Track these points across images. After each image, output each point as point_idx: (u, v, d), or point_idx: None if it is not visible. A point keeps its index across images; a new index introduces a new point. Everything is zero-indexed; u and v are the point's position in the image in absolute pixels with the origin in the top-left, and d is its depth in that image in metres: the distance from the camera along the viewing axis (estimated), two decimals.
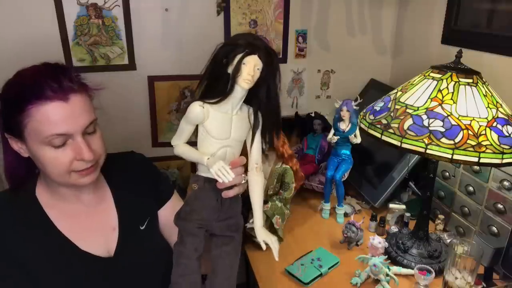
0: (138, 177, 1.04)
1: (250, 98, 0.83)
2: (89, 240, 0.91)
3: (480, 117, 0.98)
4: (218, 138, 0.81)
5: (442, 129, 0.97)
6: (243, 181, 0.86)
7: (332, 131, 1.44)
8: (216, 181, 0.79)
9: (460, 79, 1.04)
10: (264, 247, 0.86)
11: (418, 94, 1.06)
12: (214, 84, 0.81)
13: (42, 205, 0.89)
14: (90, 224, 0.93)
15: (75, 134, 0.81)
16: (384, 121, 1.07)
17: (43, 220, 0.88)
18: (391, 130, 1.04)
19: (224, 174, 0.76)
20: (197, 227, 0.84)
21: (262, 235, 0.87)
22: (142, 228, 0.99)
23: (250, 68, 0.77)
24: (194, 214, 0.84)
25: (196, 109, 0.79)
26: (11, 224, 0.85)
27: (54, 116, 0.78)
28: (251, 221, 1.28)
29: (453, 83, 1.04)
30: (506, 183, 1.18)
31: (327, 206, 1.50)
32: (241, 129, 0.84)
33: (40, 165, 0.84)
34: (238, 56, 0.77)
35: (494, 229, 1.22)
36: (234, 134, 0.82)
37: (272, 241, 0.87)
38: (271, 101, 0.83)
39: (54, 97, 0.77)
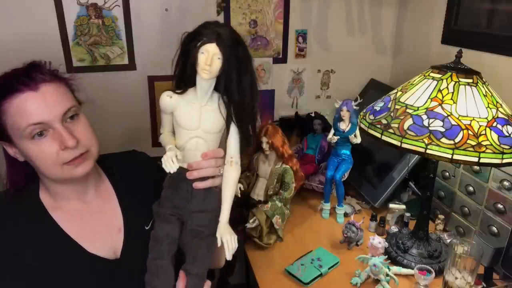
0: (142, 176, 1.03)
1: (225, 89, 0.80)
2: (95, 242, 0.90)
3: (480, 117, 0.98)
4: (186, 128, 0.80)
5: (442, 129, 0.97)
6: (219, 173, 0.83)
7: (332, 131, 1.44)
8: (187, 170, 0.80)
9: (460, 79, 1.04)
10: (219, 243, 0.79)
11: (418, 94, 1.06)
12: (184, 73, 0.79)
13: (46, 207, 0.89)
14: (95, 225, 0.93)
15: (52, 122, 0.81)
16: (384, 121, 1.07)
17: (48, 222, 0.88)
18: (391, 130, 1.04)
19: (169, 164, 0.75)
20: (169, 214, 0.84)
21: (222, 231, 0.80)
22: (147, 228, 0.98)
23: (208, 58, 0.74)
24: (167, 201, 0.84)
25: (164, 99, 0.80)
26: (16, 226, 0.85)
27: (26, 106, 0.79)
28: (251, 221, 1.28)
29: (453, 83, 1.04)
30: (506, 183, 1.18)
31: (327, 206, 1.50)
32: (212, 121, 0.81)
33: (32, 164, 0.84)
34: (197, 45, 0.75)
35: (494, 229, 1.22)
36: (203, 125, 0.80)
37: (230, 240, 0.80)
38: (239, 92, 0.78)
39: (24, 88, 0.79)
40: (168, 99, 0.80)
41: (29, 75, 0.81)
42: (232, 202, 0.83)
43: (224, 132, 0.84)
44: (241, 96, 0.79)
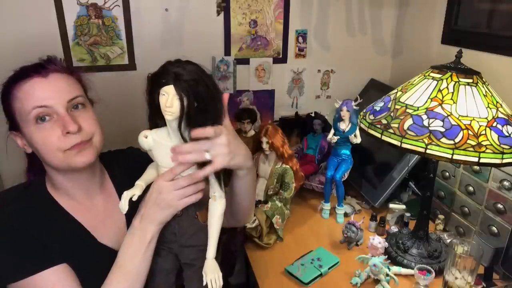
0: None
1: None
2: (104, 233, 0.92)
3: (480, 117, 0.98)
4: (163, 166, 0.82)
5: (442, 129, 0.97)
6: (205, 158, 0.81)
7: (332, 131, 1.44)
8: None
9: (460, 79, 1.04)
10: (204, 281, 0.80)
11: (418, 94, 1.06)
12: (154, 113, 0.80)
13: (55, 199, 0.90)
14: (102, 219, 0.94)
15: (56, 107, 0.82)
16: (384, 121, 1.07)
17: (60, 211, 0.89)
18: (391, 130, 1.04)
19: (120, 204, 0.79)
20: (162, 248, 0.86)
21: (207, 269, 0.81)
22: None
23: (167, 99, 0.74)
24: (160, 234, 0.85)
25: (140, 139, 0.82)
26: (30, 216, 0.85)
27: (33, 90, 0.82)
28: (251, 221, 1.28)
29: (453, 83, 1.04)
30: (506, 183, 1.18)
31: (327, 206, 1.50)
32: None
33: (36, 152, 0.85)
34: (158, 87, 0.76)
35: (494, 229, 1.22)
36: None
37: (215, 278, 0.80)
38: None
39: (34, 75, 0.83)
40: (143, 139, 0.82)
41: (41, 64, 0.85)
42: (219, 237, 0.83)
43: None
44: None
